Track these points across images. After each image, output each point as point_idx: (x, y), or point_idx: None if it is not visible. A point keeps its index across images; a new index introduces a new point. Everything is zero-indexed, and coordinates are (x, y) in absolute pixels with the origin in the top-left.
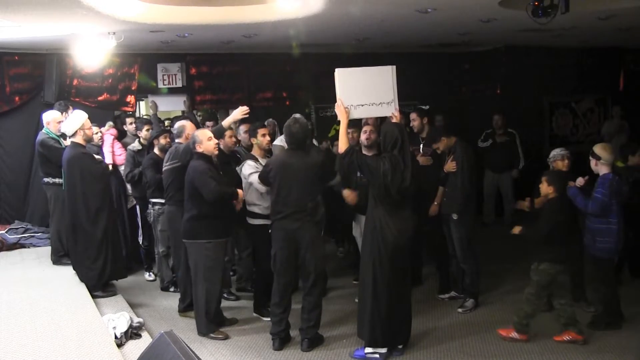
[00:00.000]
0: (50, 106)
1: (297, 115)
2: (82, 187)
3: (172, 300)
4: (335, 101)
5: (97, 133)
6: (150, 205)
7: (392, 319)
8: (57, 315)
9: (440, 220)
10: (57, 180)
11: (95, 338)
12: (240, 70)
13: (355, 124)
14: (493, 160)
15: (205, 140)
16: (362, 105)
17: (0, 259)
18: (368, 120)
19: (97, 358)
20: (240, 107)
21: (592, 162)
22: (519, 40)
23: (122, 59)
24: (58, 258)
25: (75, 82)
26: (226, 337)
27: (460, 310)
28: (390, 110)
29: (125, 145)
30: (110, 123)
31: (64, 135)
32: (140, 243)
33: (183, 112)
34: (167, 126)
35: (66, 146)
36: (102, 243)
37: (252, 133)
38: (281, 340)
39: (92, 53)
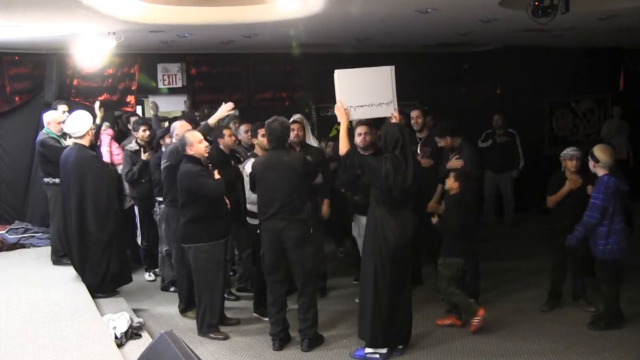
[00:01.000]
0: (50, 106)
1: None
2: (92, 191)
3: (172, 300)
4: (335, 101)
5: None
6: (156, 204)
7: (392, 319)
8: (57, 315)
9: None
10: (57, 180)
11: (95, 338)
12: (240, 70)
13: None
14: (493, 160)
15: (196, 143)
16: (362, 106)
17: (0, 259)
18: (361, 120)
19: (97, 358)
20: (224, 104)
21: (591, 163)
22: (519, 40)
23: (122, 59)
24: (58, 258)
25: (75, 82)
26: (226, 338)
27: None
28: (390, 110)
29: (124, 146)
30: (107, 123)
31: (64, 135)
32: (139, 243)
33: (183, 112)
34: (167, 127)
35: (67, 146)
36: (108, 247)
37: (253, 133)
38: (281, 341)
39: (92, 53)
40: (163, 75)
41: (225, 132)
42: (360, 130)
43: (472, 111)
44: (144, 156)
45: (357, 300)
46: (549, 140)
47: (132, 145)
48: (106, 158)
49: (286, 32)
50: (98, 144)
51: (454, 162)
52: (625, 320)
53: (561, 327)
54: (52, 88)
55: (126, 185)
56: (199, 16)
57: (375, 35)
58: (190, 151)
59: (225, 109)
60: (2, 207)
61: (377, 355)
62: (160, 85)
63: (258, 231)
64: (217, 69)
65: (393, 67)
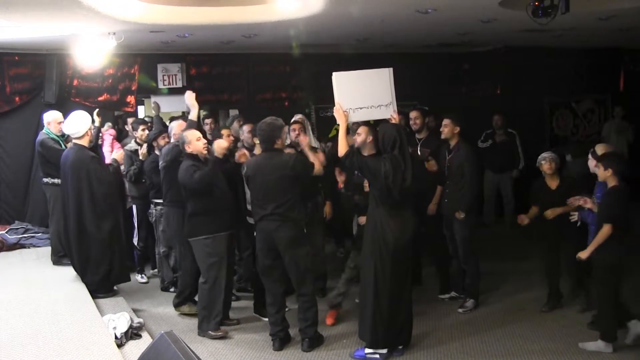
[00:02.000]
0: (50, 106)
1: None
2: (89, 191)
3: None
4: (334, 103)
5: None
6: (152, 206)
7: (393, 319)
8: (57, 315)
9: (440, 221)
10: (56, 180)
11: (95, 338)
12: (240, 70)
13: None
14: (493, 160)
15: (194, 141)
16: (361, 108)
17: (0, 259)
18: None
19: (97, 358)
20: (186, 94)
21: (592, 162)
22: (519, 40)
23: (122, 59)
24: (58, 258)
25: (75, 82)
26: (226, 337)
27: (460, 310)
28: (389, 112)
29: (124, 146)
30: (109, 123)
31: (64, 136)
32: (135, 244)
33: (183, 112)
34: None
35: (66, 147)
36: (108, 247)
37: (255, 133)
38: (281, 341)
39: (92, 53)
40: (163, 75)
41: (224, 132)
42: (359, 130)
43: (472, 111)
44: (141, 155)
45: (357, 301)
46: (549, 140)
47: (132, 145)
48: (108, 158)
49: (286, 32)
50: (100, 143)
51: (430, 165)
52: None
53: (561, 327)
54: (52, 88)
55: (127, 185)
56: (199, 16)
57: (375, 35)
58: (188, 149)
59: (190, 97)
60: (2, 207)
61: (377, 356)
62: (160, 86)
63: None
64: (217, 69)
65: (391, 69)
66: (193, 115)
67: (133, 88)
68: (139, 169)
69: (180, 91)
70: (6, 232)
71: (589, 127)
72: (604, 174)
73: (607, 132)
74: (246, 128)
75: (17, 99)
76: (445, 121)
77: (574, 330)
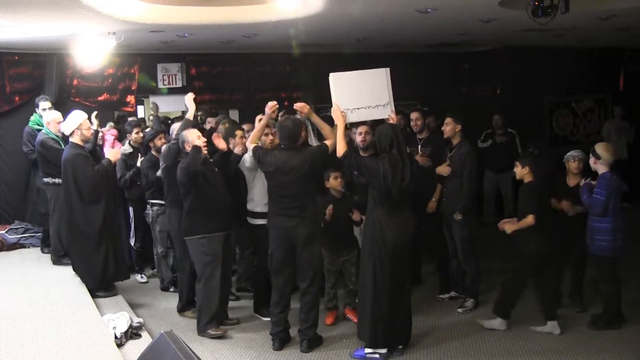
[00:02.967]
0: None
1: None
2: (75, 188)
3: (172, 300)
4: None
5: (98, 133)
6: (148, 206)
7: (392, 319)
8: (57, 315)
9: (440, 220)
10: (57, 180)
11: (95, 338)
12: (240, 70)
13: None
14: (493, 160)
15: (196, 139)
16: (359, 109)
17: (0, 259)
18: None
19: (97, 358)
20: (187, 96)
21: (592, 160)
22: (519, 40)
23: (122, 59)
24: (58, 258)
25: (75, 82)
26: (226, 337)
27: (460, 310)
28: (387, 112)
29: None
30: (111, 123)
31: (64, 136)
32: (132, 245)
33: (183, 112)
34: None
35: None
36: (101, 242)
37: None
38: (281, 341)
39: (92, 53)
40: (163, 75)
41: (239, 133)
42: (360, 129)
43: (472, 111)
44: (139, 162)
45: (356, 301)
46: (549, 140)
47: (126, 148)
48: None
49: (286, 32)
50: (101, 144)
51: (443, 169)
52: (625, 320)
53: (560, 327)
54: (52, 88)
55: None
56: (199, 16)
57: (375, 35)
58: (188, 148)
59: (189, 98)
60: (2, 207)
61: (377, 356)
62: (160, 85)
63: (259, 230)
64: (217, 69)
65: (388, 69)
66: (189, 115)
67: (133, 88)
68: (130, 177)
69: (180, 91)
70: (6, 232)
71: (589, 126)
72: (522, 172)
73: (606, 132)
74: (246, 127)
75: (17, 98)
76: (447, 120)
77: (572, 329)
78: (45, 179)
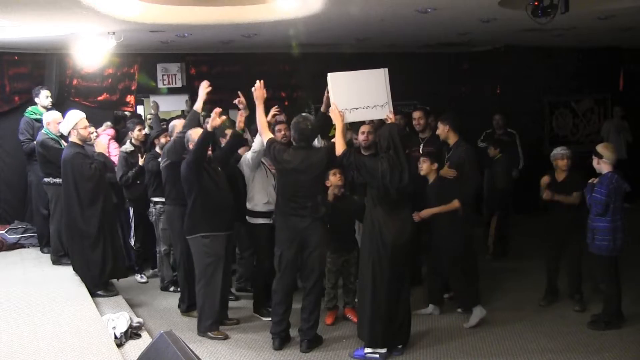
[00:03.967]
0: (50, 106)
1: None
2: (74, 186)
3: (172, 300)
4: None
5: (93, 133)
6: (151, 205)
7: (391, 319)
8: (56, 315)
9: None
10: (57, 180)
11: (95, 338)
12: (240, 70)
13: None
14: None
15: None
16: (357, 109)
17: (0, 259)
18: (375, 121)
19: (97, 358)
20: (202, 83)
21: (594, 160)
22: (519, 40)
23: (121, 58)
24: (58, 258)
25: (75, 82)
26: (226, 337)
27: (460, 309)
28: (385, 112)
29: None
30: (108, 123)
31: (64, 136)
32: (132, 245)
33: (183, 111)
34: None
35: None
36: (98, 240)
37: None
38: (281, 340)
39: (91, 53)
40: (163, 75)
41: (228, 132)
42: (363, 129)
43: (472, 111)
44: (140, 161)
45: (356, 300)
46: (549, 140)
47: (127, 146)
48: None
49: (286, 32)
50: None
51: (446, 171)
52: (625, 320)
53: (561, 327)
54: (52, 88)
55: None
56: (199, 16)
57: (375, 35)
58: (192, 146)
59: (203, 89)
60: (2, 207)
61: (377, 355)
62: (160, 85)
63: (259, 229)
64: (217, 68)
65: (386, 69)
66: (197, 107)
67: (133, 88)
68: (133, 176)
69: (179, 91)
70: (6, 232)
71: (589, 126)
72: (428, 168)
73: (606, 132)
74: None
75: (16, 98)
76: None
77: (572, 329)
78: (46, 179)
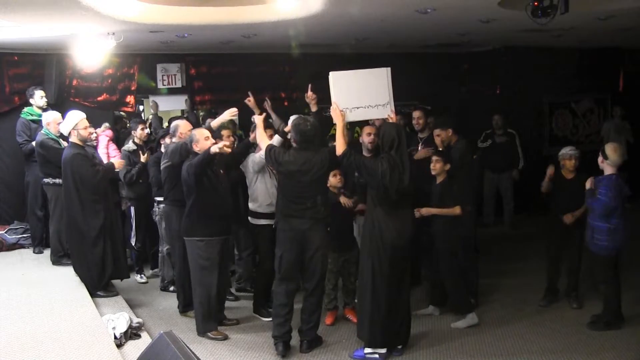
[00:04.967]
0: (50, 106)
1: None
2: (75, 187)
3: (172, 300)
4: None
5: (93, 133)
6: (155, 204)
7: (391, 319)
8: (56, 315)
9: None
10: (57, 180)
11: (95, 338)
12: (240, 70)
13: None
14: (493, 160)
15: (202, 140)
16: (358, 108)
17: (0, 259)
18: (375, 122)
19: (97, 358)
20: (229, 109)
21: (600, 159)
22: (519, 40)
23: (121, 59)
24: (58, 258)
25: (74, 82)
26: (225, 338)
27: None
28: (386, 112)
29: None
30: (107, 124)
31: (63, 136)
32: (133, 245)
33: (182, 111)
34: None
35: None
36: (99, 241)
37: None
38: (284, 344)
39: (91, 53)
40: (162, 75)
41: (224, 132)
42: (369, 130)
43: (472, 111)
44: (142, 158)
45: (356, 301)
46: (549, 140)
47: (130, 145)
48: (105, 159)
49: (285, 32)
50: (95, 144)
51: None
52: (625, 320)
53: (561, 327)
54: (51, 88)
55: (124, 186)
56: (199, 16)
57: (375, 35)
58: (196, 148)
59: (229, 114)
60: (2, 207)
61: (377, 355)
62: (160, 86)
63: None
64: (217, 69)
65: (389, 68)
66: (214, 124)
67: (132, 88)
68: (137, 172)
69: (179, 91)
70: (5, 232)
71: (589, 127)
72: (441, 168)
73: (606, 132)
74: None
75: (16, 98)
76: (436, 131)
77: (572, 329)
78: (46, 179)
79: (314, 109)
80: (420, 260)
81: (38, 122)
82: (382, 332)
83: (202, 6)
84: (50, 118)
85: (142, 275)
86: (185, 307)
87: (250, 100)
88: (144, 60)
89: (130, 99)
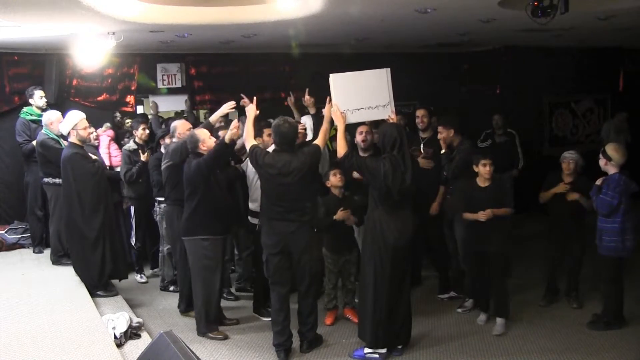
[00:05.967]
0: (50, 106)
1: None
2: (75, 187)
3: (172, 300)
4: None
5: (92, 133)
6: (156, 204)
7: (392, 319)
8: (56, 315)
9: (441, 220)
10: (57, 180)
11: (95, 338)
12: (240, 70)
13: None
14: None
15: (207, 139)
16: (359, 110)
17: (0, 259)
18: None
19: (97, 358)
20: (227, 103)
21: (602, 161)
22: (519, 40)
23: (121, 59)
24: (57, 258)
25: (74, 82)
26: (225, 337)
27: (459, 310)
28: (387, 113)
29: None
30: (108, 124)
31: (64, 136)
32: (133, 244)
33: (182, 111)
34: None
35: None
36: (98, 241)
37: (258, 132)
38: (286, 351)
39: (91, 53)
40: (162, 75)
41: (222, 133)
42: (361, 129)
43: (472, 111)
44: (143, 157)
45: (356, 301)
46: (549, 140)
47: (130, 145)
48: (106, 160)
49: (286, 32)
50: (96, 144)
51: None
52: (625, 320)
53: (561, 327)
54: (51, 88)
55: (125, 185)
56: (199, 16)
57: (375, 35)
58: (203, 147)
59: (227, 107)
60: (2, 207)
61: (377, 355)
62: (160, 85)
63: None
64: (217, 69)
65: (389, 69)
66: (213, 119)
67: (132, 88)
68: (137, 171)
69: (179, 91)
70: (5, 232)
71: (589, 127)
72: (489, 173)
73: (606, 132)
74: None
75: (16, 98)
76: (439, 128)
77: (572, 330)
78: (46, 179)
79: (312, 111)
80: (421, 260)
81: (38, 122)
82: (384, 332)
83: (202, 6)
84: (53, 117)
85: (142, 275)
86: (187, 307)
87: (245, 102)
88: (144, 60)
89: (130, 98)
